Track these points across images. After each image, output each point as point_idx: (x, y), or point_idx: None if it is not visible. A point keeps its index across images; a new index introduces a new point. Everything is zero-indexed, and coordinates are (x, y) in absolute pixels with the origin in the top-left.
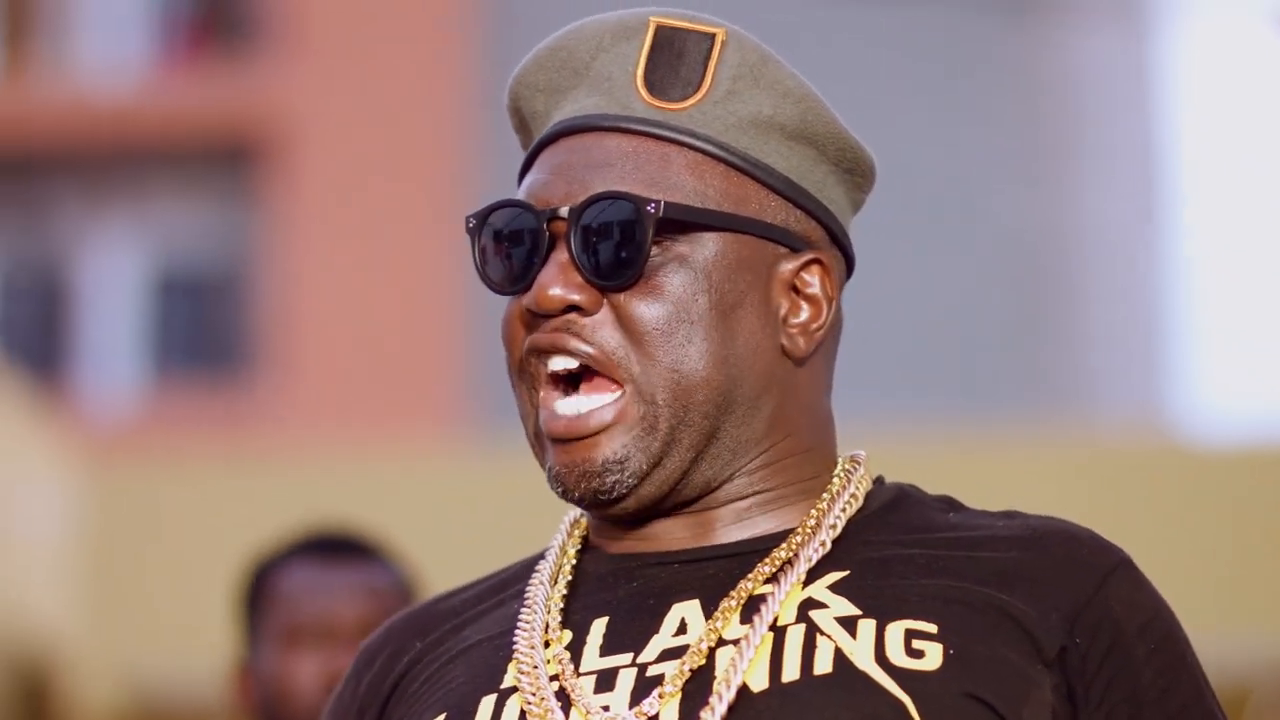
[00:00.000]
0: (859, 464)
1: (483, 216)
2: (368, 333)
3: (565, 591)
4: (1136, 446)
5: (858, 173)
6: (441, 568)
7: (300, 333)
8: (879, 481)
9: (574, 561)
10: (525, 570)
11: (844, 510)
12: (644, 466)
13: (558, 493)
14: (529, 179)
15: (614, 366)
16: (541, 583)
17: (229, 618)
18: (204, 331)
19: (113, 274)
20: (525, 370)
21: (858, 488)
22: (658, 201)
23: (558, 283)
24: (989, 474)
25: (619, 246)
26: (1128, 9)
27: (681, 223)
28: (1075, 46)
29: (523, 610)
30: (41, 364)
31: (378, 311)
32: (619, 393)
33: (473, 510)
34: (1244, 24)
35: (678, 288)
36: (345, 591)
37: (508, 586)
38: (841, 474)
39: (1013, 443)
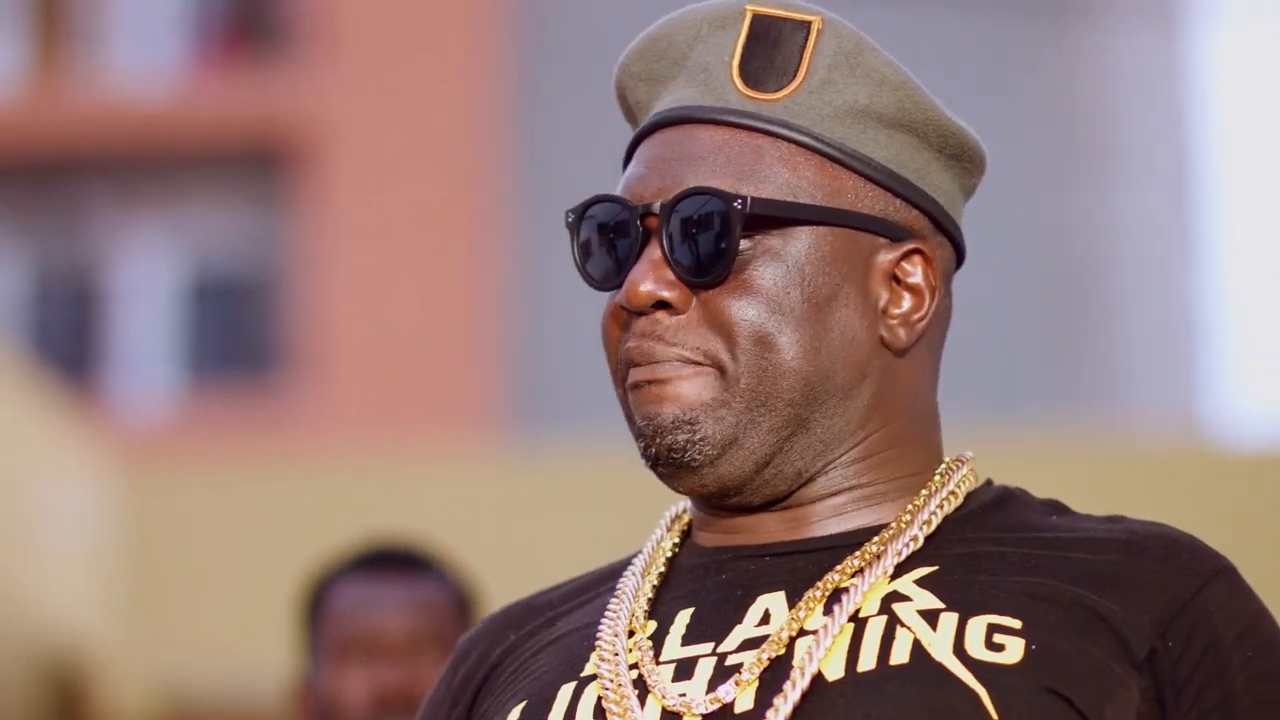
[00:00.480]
0: (964, 463)
1: (580, 211)
2: (401, 336)
3: (656, 582)
4: (1170, 449)
5: (964, 159)
6: (476, 570)
7: (333, 336)
8: (987, 483)
9: (669, 554)
10: (624, 565)
11: (940, 507)
12: (717, 437)
13: (645, 461)
14: (628, 172)
15: (702, 358)
16: (633, 574)
17: (261, 622)
18: (237, 335)
19: (146, 278)
20: (619, 375)
21: (958, 486)
22: (744, 198)
23: (649, 279)
24: (1022, 477)
25: (707, 243)
26: (1161, 11)
27: (773, 217)
28: (1108, 49)
29: (611, 600)
30: (75, 369)
31: (410, 314)
32: (702, 368)
33: (506, 512)
34: (1277, 24)
35: (769, 282)
36: (393, 606)
37: (604, 581)
38: (944, 471)
39: (1046, 446)
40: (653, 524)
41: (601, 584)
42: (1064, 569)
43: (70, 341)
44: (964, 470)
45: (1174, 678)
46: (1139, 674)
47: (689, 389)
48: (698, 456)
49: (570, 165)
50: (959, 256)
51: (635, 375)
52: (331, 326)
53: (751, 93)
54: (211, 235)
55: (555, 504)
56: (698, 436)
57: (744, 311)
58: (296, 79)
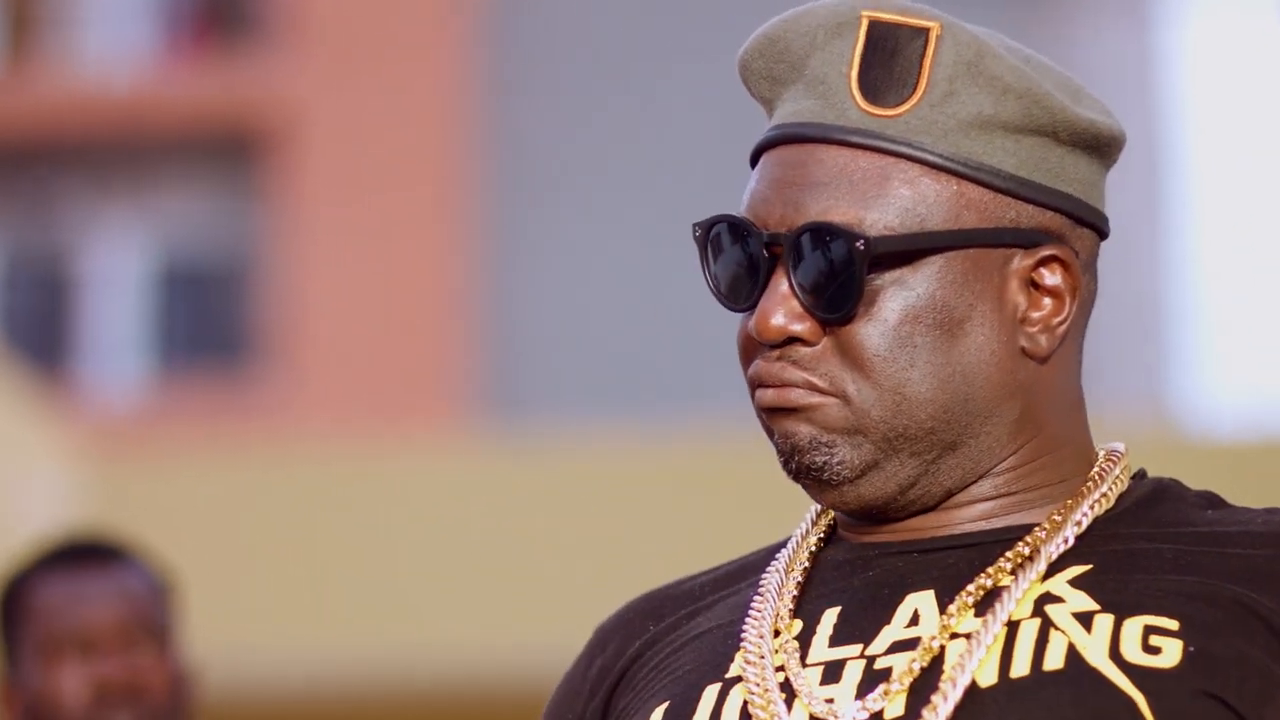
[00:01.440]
0: (1117, 460)
1: (708, 228)
2: (373, 325)
3: (801, 579)
4: (1141, 437)
5: (1100, 145)
6: (448, 559)
7: (305, 325)
8: (1139, 475)
9: (813, 549)
10: (766, 557)
11: (1092, 508)
12: (855, 461)
13: (788, 475)
14: (751, 186)
15: (830, 386)
16: (777, 570)
17: (233, 609)
18: (208, 323)
19: (117, 266)
20: (752, 393)
21: (1111, 486)
22: (865, 238)
23: (779, 313)
24: None
25: (832, 281)
26: (1133, 4)
27: (907, 250)
28: (1080, 41)
29: (755, 597)
30: (45, 356)
31: (383, 304)
32: (828, 398)
33: (480, 503)
34: (1250, 18)
35: (898, 313)
36: (101, 598)
37: (747, 574)
38: (1098, 472)
39: None
40: (632, 512)
41: (743, 577)
42: (1220, 566)
43: (40, 329)
44: (1117, 469)
45: None
46: None
47: (821, 415)
48: (836, 477)
49: (542, 152)
50: (1103, 234)
51: (763, 398)
52: (303, 314)
53: (871, 108)
54: (182, 223)
55: (530, 492)
56: (835, 460)
57: (875, 347)
58: (268, 66)
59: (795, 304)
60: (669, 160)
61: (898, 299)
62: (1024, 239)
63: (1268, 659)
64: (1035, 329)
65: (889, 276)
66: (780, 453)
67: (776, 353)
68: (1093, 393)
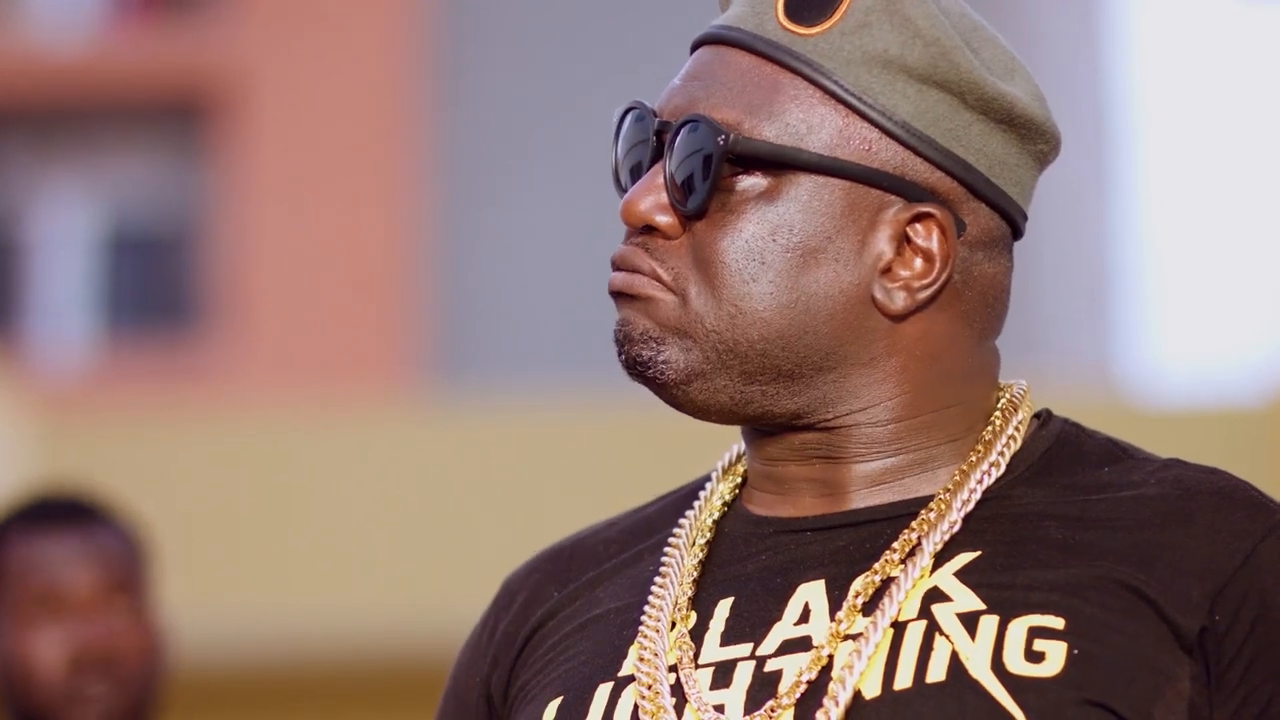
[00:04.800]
0: (1014, 409)
1: (623, 113)
2: (321, 288)
3: (702, 555)
4: (1087, 405)
5: (1016, 125)
6: (394, 524)
7: (253, 288)
8: (1043, 422)
9: (715, 515)
10: (672, 513)
11: (982, 479)
12: (680, 365)
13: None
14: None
15: (673, 283)
16: (679, 546)
17: (176, 571)
18: (156, 287)
19: (64, 230)
20: None
21: (1006, 445)
22: (728, 135)
23: (647, 199)
24: None
25: (694, 174)
26: None
27: (773, 159)
28: (1029, 8)
29: (657, 578)
30: None
31: (331, 267)
32: (668, 295)
33: (428, 467)
34: None
35: (754, 225)
36: (76, 559)
37: (652, 533)
38: (989, 432)
39: None
40: (576, 474)
41: (649, 534)
42: (1109, 546)
43: None
44: (1013, 423)
45: (1221, 654)
46: (1190, 659)
47: (658, 309)
48: (660, 375)
49: (491, 114)
50: (1014, 225)
51: (612, 282)
52: (251, 278)
53: (790, 24)
54: (130, 187)
55: (478, 456)
56: (660, 357)
57: (723, 253)
58: (216, 29)
59: (664, 195)
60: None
61: (758, 212)
62: (902, 188)
63: (1157, 650)
64: (895, 285)
65: (755, 188)
66: (615, 341)
67: (638, 239)
68: (1039, 361)
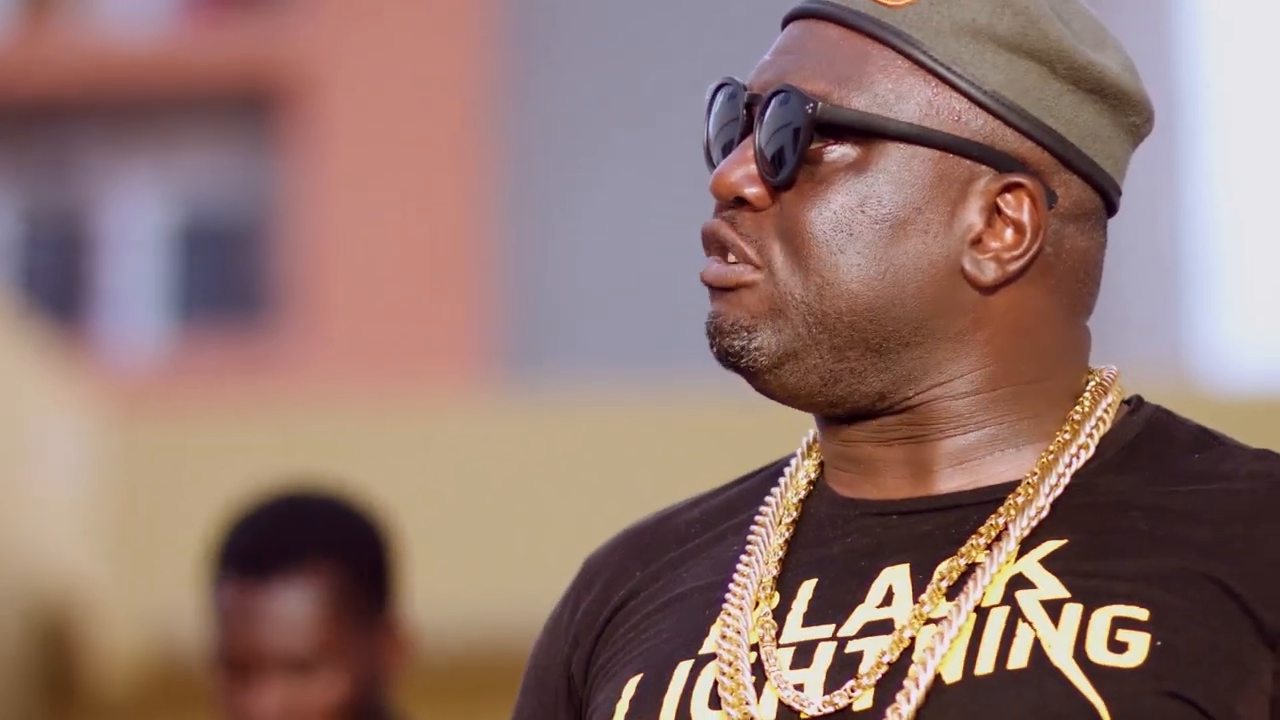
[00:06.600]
0: (1104, 391)
1: (715, 90)
2: (393, 280)
3: (788, 534)
4: (1160, 392)
5: (1108, 95)
6: (469, 516)
7: (325, 280)
8: (1133, 408)
9: (801, 495)
10: (755, 493)
11: (1069, 465)
12: (774, 348)
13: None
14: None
15: (758, 257)
16: (765, 525)
17: None
18: (228, 280)
19: (136, 222)
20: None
21: (1095, 427)
22: (816, 103)
23: (737, 171)
24: None
25: (784, 145)
26: None
27: (863, 129)
28: None
29: (742, 557)
30: (65, 313)
31: (403, 258)
32: (757, 274)
33: (499, 461)
34: None
35: (844, 195)
36: (270, 622)
37: (735, 512)
38: (1079, 413)
39: None
40: (659, 465)
41: (732, 514)
42: (1196, 537)
43: (60, 286)
44: (1102, 405)
45: None
46: (1273, 654)
47: (750, 296)
48: (753, 364)
49: (566, 102)
50: (1108, 199)
51: (704, 273)
52: (323, 270)
53: None
54: (202, 179)
55: (555, 448)
56: (753, 345)
57: (811, 224)
58: (287, 21)
59: (753, 167)
60: (703, 111)
61: (847, 184)
62: (992, 158)
63: (1241, 645)
64: (985, 256)
65: (844, 159)
66: (707, 334)
67: (728, 213)
68: (1111, 346)
